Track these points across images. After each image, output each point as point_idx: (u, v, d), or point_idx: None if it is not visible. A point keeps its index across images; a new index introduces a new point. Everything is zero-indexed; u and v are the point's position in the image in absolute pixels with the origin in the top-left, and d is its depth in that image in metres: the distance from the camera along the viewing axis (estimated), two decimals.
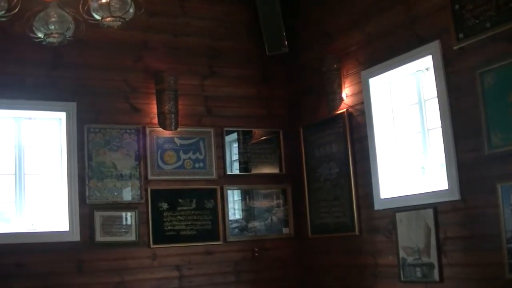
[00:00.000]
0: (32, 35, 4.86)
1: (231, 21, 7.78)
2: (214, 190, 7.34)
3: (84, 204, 6.65)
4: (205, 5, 7.66)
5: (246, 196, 7.60)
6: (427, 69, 6.00)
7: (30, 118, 6.74)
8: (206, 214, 7.25)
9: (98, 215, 6.68)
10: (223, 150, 7.48)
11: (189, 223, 7.15)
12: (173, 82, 7.14)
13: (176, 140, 7.24)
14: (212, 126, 7.44)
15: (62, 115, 6.75)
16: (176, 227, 7.08)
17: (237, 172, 7.62)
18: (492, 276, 5.06)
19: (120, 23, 4.76)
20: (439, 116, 5.65)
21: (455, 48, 5.37)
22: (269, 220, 7.62)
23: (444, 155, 5.61)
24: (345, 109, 6.83)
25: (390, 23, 6.22)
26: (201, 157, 7.33)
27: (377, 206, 6.37)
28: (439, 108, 5.64)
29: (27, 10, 4.75)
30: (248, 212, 7.56)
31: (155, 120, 7.13)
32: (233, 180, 7.53)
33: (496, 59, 4.98)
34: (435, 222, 5.64)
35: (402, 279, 5.99)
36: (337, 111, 6.92)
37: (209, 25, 7.63)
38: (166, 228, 7.02)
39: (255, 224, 7.54)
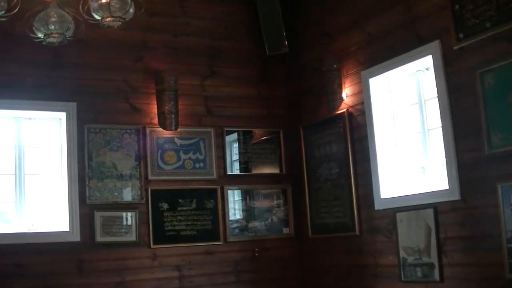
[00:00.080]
0: (32, 35, 4.86)
1: (231, 21, 7.78)
2: (215, 190, 7.34)
3: (84, 204, 6.65)
4: (205, 5, 7.65)
5: (246, 196, 7.60)
6: (427, 69, 6.00)
7: (30, 118, 6.74)
8: (206, 214, 7.25)
9: (98, 215, 6.68)
10: (223, 150, 7.48)
11: (190, 223, 7.15)
12: (173, 82, 7.14)
13: (176, 140, 7.24)
14: (212, 126, 7.44)
15: (62, 115, 6.75)
16: (177, 227, 7.08)
17: (238, 172, 7.62)
18: (492, 276, 5.06)
19: (120, 23, 4.76)
20: (439, 116, 5.64)
21: (455, 48, 5.37)
22: (269, 220, 7.62)
23: (444, 155, 5.61)
24: (345, 109, 6.83)
25: (390, 23, 6.21)
26: (201, 157, 7.33)
27: (377, 206, 6.37)
28: (439, 108, 5.64)
29: (27, 10, 4.75)
30: (249, 212, 7.56)
31: (155, 120, 7.13)
32: (234, 180, 7.53)
33: (496, 59, 4.98)
34: (436, 222, 5.64)
35: (403, 279, 5.99)
36: (337, 111, 6.92)
37: (209, 25, 7.63)
38: (166, 228, 7.02)
39: (256, 224, 7.54)
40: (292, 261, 7.59)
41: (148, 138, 7.06)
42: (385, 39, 6.30)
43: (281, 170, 7.78)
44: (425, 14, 5.76)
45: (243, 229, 7.47)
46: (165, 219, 7.03)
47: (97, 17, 4.72)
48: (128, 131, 6.99)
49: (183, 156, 7.25)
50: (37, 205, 6.67)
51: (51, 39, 4.84)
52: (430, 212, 5.69)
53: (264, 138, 7.79)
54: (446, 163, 5.57)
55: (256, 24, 7.65)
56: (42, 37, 4.84)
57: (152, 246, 6.90)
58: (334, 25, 7.09)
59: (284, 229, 7.66)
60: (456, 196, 5.42)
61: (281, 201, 7.71)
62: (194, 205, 7.21)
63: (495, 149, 4.99)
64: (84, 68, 6.87)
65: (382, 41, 6.33)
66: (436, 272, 5.61)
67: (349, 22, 6.84)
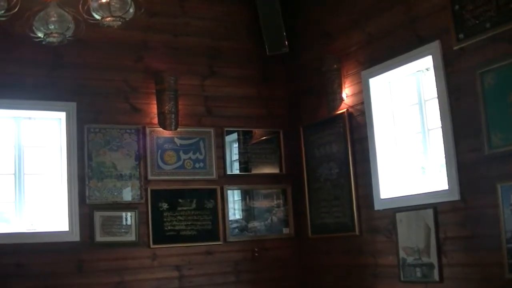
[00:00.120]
0: (32, 34, 4.86)
1: (231, 21, 7.78)
2: (214, 190, 7.34)
3: (84, 204, 6.65)
4: (205, 5, 7.65)
5: (246, 196, 7.59)
6: (427, 69, 5.99)
7: (30, 118, 6.74)
8: (206, 214, 7.25)
9: (98, 215, 6.68)
10: (223, 150, 7.48)
11: (189, 223, 7.15)
12: (173, 82, 7.14)
13: (176, 140, 7.24)
14: (212, 126, 7.44)
15: (62, 115, 6.75)
16: (176, 227, 7.08)
17: (237, 172, 7.62)
18: (492, 276, 5.06)
19: (120, 23, 4.76)
20: (439, 116, 5.64)
21: (455, 48, 5.37)
22: (269, 220, 7.62)
23: (444, 155, 5.61)
24: (345, 109, 6.83)
25: (390, 23, 6.21)
26: (201, 157, 7.33)
27: (377, 206, 6.37)
28: (439, 108, 5.64)
29: (27, 10, 4.74)
30: (248, 212, 7.56)
31: (155, 120, 7.13)
32: (233, 180, 7.53)
33: (496, 59, 4.98)
34: (435, 222, 5.64)
35: (402, 279, 5.99)
36: (337, 111, 6.92)
37: (209, 25, 7.63)
38: (166, 228, 7.02)
39: (255, 224, 7.54)
40: (292, 261, 7.59)
41: (148, 138, 7.06)
42: (385, 39, 6.30)
43: (281, 170, 7.78)
44: (425, 14, 5.76)
45: (243, 229, 7.46)
46: (165, 219, 7.03)
47: (97, 17, 4.72)
48: (128, 131, 6.98)
49: (183, 156, 7.25)
50: (36, 205, 6.66)
51: (51, 39, 4.84)
52: (429, 212, 5.69)
53: (264, 138, 7.79)
54: (446, 163, 5.57)
55: (256, 24, 7.64)
56: (42, 36, 4.83)
57: (152, 246, 6.90)
58: (334, 25, 7.09)
59: (284, 229, 7.66)
60: (456, 196, 5.42)
61: (281, 201, 7.71)
62: (194, 205, 7.21)
63: (495, 149, 4.99)
64: (84, 68, 6.87)
65: (382, 41, 6.33)
66: (436, 272, 5.61)
67: (349, 22, 6.84)
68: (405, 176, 6.30)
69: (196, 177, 7.28)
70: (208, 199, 7.29)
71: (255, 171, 7.70)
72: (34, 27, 4.80)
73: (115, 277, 6.64)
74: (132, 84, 7.11)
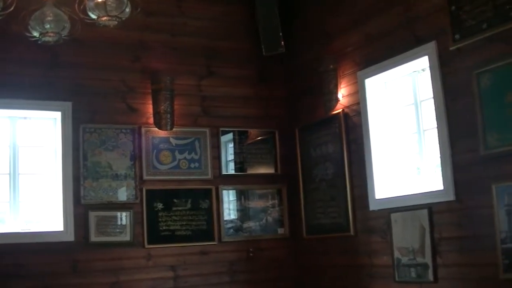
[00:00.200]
0: (27, 34, 4.84)
1: (229, 21, 7.78)
2: (209, 190, 7.34)
3: (79, 204, 6.63)
4: (203, 5, 7.64)
5: (241, 196, 7.59)
6: (423, 70, 6.00)
7: (25, 118, 6.72)
8: (201, 214, 7.24)
9: (92, 215, 6.66)
10: (218, 150, 7.47)
11: (184, 223, 7.14)
12: (169, 82, 7.14)
13: (171, 140, 7.23)
14: (208, 126, 7.43)
15: (58, 114, 6.73)
16: (171, 227, 7.07)
17: (233, 172, 7.61)
18: (487, 277, 5.07)
19: (116, 22, 4.75)
20: (435, 117, 5.65)
21: (451, 49, 5.38)
22: (264, 221, 7.61)
23: (439, 156, 5.61)
24: (341, 110, 6.84)
25: (387, 24, 6.22)
26: (196, 157, 7.32)
27: (372, 207, 6.38)
28: (435, 109, 5.64)
29: (23, 9, 4.73)
30: (243, 212, 7.55)
31: (151, 120, 7.12)
32: (229, 180, 7.52)
33: (492, 60, 4.98)
34: (430, 222, 5.64)
35: (397, 279, 6.00)
36: (333, 111, 6.92)
37: (206, 25, 7.62)
38: (161, 228, 7.01)
39: (250, 224, 7.54)
40: (286, 262, 7.59)
41: (143, 138, 7.05)
42: (381, 40, 6.30)
43: (276, 170, 7.78)
44: (422, 15, 5.77)
45: (238, 229, 7.46)
46: (160, 219, 7.02)
47: (93, 16, 4.71)
48: (123, 131, 6.98)
49: (178, 156, 7.24)
50: (31, 204, 6.65)
51: (46, 38, 4.83)
52: (424, 212, 5.69)
53: (260, 138, 7.79)
54: (441, 163, 5.57)
55: (254, 25, 7.63)
56: (38, 36, 4.82)
57: (147, 246, 6.89)
58: (332, 25, 7.10)
59: (279, 229, 7.66)
60: (451, 197, 5.43)
61: (276, 201, 7.71)
62: (189, 205, 7.20)
63: (490, 150, 5.00)
64: (80, 68, 6.86)
65: (379, 41, 6.34)
66: (430, 272, 5.61)
67: (346, 22, 6.84)
68: (400, 176, 6.31)
69: (191, 177, 7.28)
70: (203, 199, 7.28)
71: (251, 171, 7.70)
72: (30, 27, 4.79)
73: (110, 277, 6.63)
74: (129, 84, 7.10)
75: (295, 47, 7.68)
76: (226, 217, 7.41)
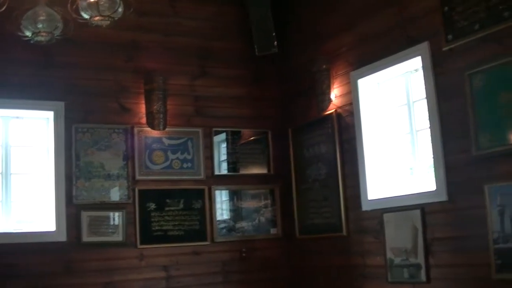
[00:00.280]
0: (20, 33, 4.83)
1: (222, 21, 7.77)
2: (202, 191, 7.33)
3: (71, 204, 6.62)
4: (196, 5, 7.63)
5: (234, 196, 7.59)
6: (416, 70, 6.01)
7: (17, 117, 6.70)
8: (194, 215, 7.24)
9: (85, 215, 6.65)
10: (211, 150, 7.46)
11: (177, 223, 7.14)
12: (162, 82, 7.13)
13: (164, 140, 7.22)
14: (201, 126, 7.42)
15: (50, 114, 6.72)
16: (164, 227, 7.06)
17: (225, 172, 7.60)
18: (479, 277, 5.07)
19: (108, 22, 4.75)
20: (428, 117, 5.66)
21: (444, 49, 5.39)
22: (257, 221, 7.61)
23: (432, 156, 5.62)
24: (334, 110, 6.84)
25: (380, 25, 6.22)
26: (189, 157, 7.31)
27: (365, 207, 6.38)
28: (428, 110, 5.65)
29: (16, 9, 4.72)
30: (236, 213, 7.55)
31: (144, 120, 7.11)
32: (221, 181, 7.52)
33: (485, 60, 4.99)
34: (423, 223, 5.65)
35: (390, 279, 6.00)
36: (326, 111, 6.93)
37: (200, 25, 7.61)
38: (153, 229, 7.00)
39: (243, 224, 7.53)
40: (279, 261, 7.58)
41: (136, 138, 7.04)
42: (374, 40, 6.31)
43: (269, 170, 7.78)
44: (414, 16, 5.77)
45: (230, 230, 7.46)
46: (153, 219, 7.01)
47: (86, 16, 4.70)
48: (116, 130, 6.96)
49: (171, 156, 7.23)
50: (23, 204, 6.63)
51: (39, 38, 4.82)
52: (417, 213, 5.70)
53: (253, 138, 7.78)
54: (434, 164, 5.58)
55: (247, 25, 7.62)
56: (30, 35, 4.81)
57: (139, 246, 6.88)
58: (325, 26, 7.10)
59: (271, 229, 7.66)
60: (444, 197, 5.44)
61: (269, 202, 7.70)
62: (181, 205, 7.19)
63: (483, 150, 5.01)
64: (73, 68, 6.84)
65: (372, 42, 6.35)
66: (423, 272, 5.62)
67: (340, 23, 6.84)
68: (393, 176, 6.32)
69: (184, 177, 7.27)
70: (196, 199, 7.28)
71: (243, 171, 7.69)
72: (22, 26, 4.77)
73: (103, 277, 6.61)
74: (122, 84, 7.09)
75: (288, 47, 7.68)
76: (219, 217, 7.41)
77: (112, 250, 6.74)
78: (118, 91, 7.05)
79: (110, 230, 6.76)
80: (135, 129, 7.04)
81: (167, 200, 7.13)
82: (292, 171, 7.50)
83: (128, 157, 6.98)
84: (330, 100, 6.89)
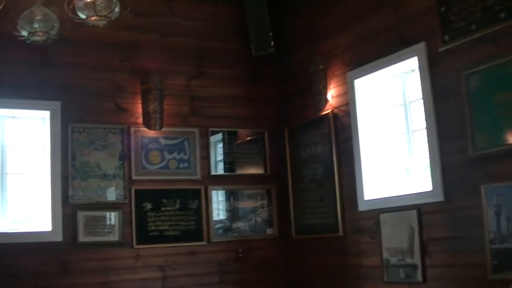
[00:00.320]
0: (16, 33, 4.82)
1: (219, 21, 7.76)
2: (199, 191, 7.32)
3: (67, 204, 6.60)
4: (193, 5, 7.62)
5: (230, 196, 7.58)
6: (412, 71, 6.01)
7: (13, 117, 6.69)
8: (190, 215, 7.23)
9: (81, 215, 6.63)
10: (207, 151, 7.46)
11: (173, 223, 7.13)
12: (158, 82, 7.12)
13: (160, 140, 7.21)
14: (197, 126, 7.41)
15: (46, 114, 6.70)
16: (160, 228, 7.06)
17: (222, 172, 7.60)
18: (476, 277, 5.07)
19: (105, 22, 4.74)
20: (424, 118, 5.67)
21: (440, 50, 5.39)
22: (253, 221, 7.61)
23: (428, 157, 5.63)
24: (331, 110, 6.84)
25: (376, 25, 6.23)
26: (185, 157, 7.31)
27: (361, 207, 6.38)
28: (424, 110, 5.66)
29: (12, 8, 4.71)
30: (233, 213, 7.54)
31: (140, 120, 7.10)
32: (218, 181, 7.51)
33: (481, 61, 5.00)
34: (419, 223, 5.65)
35: (386, 280, 6.01)
36: (323, 112, 6.93)
37: (196, 25, 7.60)
38: (150, 229, 7.00)
39: (239, 224, 7.53)
40: (276, 262, 7.58)
41: (132, 138, 7.03)
42: (371, 41, 6.31)
43: (265, 170, 7.78)
44: (411, 16, 5.77)
45: (227, 230, 7.45)
46: (149, 219, 7.00)
47: (83, 16, 4.69)
48: (112, 130, 6.95)
49: (167, 156, 7.23)
50: (19, 204, 6.61)
51: (35, 38, 4.82)
52: (413, 213, 5.70)
53: (249, 138, 7.78)
54: (430, 164, 5.59)
55: (244, 25, 7.63)
56: (27, 35, 4.80)
57: (136, 246, 6.87)
58: (322, 26, 7.10)
59: (268, 229, 7.66)
60: (440, 198, 5.44)
61: (266, 202, 7.70)
62: (178, 205, 7.18)
63: (479, 150, 5.01)
64: (69, 67, 6.82)
65: (368, 42, 6.35)
66: (419, 273, 5.62)
67: (336, 23, 6.84)
68: (389, 177, 6.32)
69: (181, 177, 7.26)
70: (192, 199, 7.27)
71: (240, 171, 7.69)
72: (18, 26, 4.77)
73: (99, 277, 6.60)
74: (118, 84, 7.07)
75: (285, 47, 7.69)
76: (215, 217, 7.40)
77: (108, 250, 6.73)
78: (114, 91, 7.04)
79: (106, 230, 6.75)
80: (132, 129, 7.04)
81: (164, 200, 7.13)
82: (288, 171, 7.50)
83: (125, 157, 6.97)
84: (326, 100, 6.90)
